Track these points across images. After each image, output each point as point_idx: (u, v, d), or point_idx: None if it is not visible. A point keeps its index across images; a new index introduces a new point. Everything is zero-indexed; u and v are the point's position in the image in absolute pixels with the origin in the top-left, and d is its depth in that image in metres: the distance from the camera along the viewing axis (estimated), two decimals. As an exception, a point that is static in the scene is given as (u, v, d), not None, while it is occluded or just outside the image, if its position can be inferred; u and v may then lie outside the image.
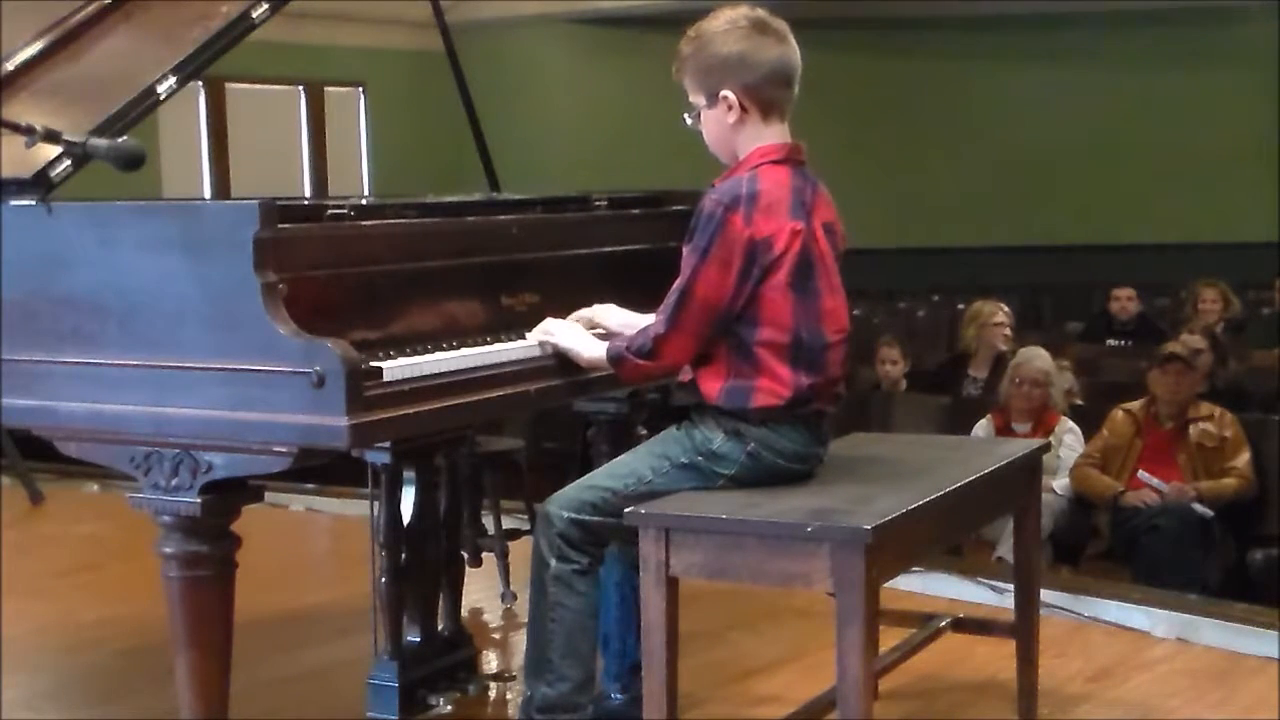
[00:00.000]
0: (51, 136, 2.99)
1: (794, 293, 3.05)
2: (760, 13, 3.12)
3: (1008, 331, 7.76)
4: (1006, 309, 7.89)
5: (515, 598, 4.71)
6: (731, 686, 4.02)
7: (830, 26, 13.49)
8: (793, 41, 3.13)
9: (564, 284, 3.49)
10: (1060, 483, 6.31)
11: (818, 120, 10.42)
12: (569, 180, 11.62)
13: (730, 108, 3.09)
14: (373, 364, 2.84)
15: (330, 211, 3.08)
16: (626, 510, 2.98)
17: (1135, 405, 6.35)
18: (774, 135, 3.13)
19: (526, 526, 4.91)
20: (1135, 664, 4.19)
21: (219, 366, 2.81)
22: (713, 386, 3.09)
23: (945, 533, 3.47)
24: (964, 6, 13.95)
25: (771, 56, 3.10)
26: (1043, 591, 3.78)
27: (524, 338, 3.26)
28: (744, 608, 4.57)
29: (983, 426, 6.54)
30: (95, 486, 6.81)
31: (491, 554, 4.80)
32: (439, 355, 3.03)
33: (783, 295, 3.04)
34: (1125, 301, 10.04)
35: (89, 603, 5.06)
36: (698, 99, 3.14)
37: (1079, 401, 7.07)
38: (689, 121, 3.18)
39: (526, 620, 3.18)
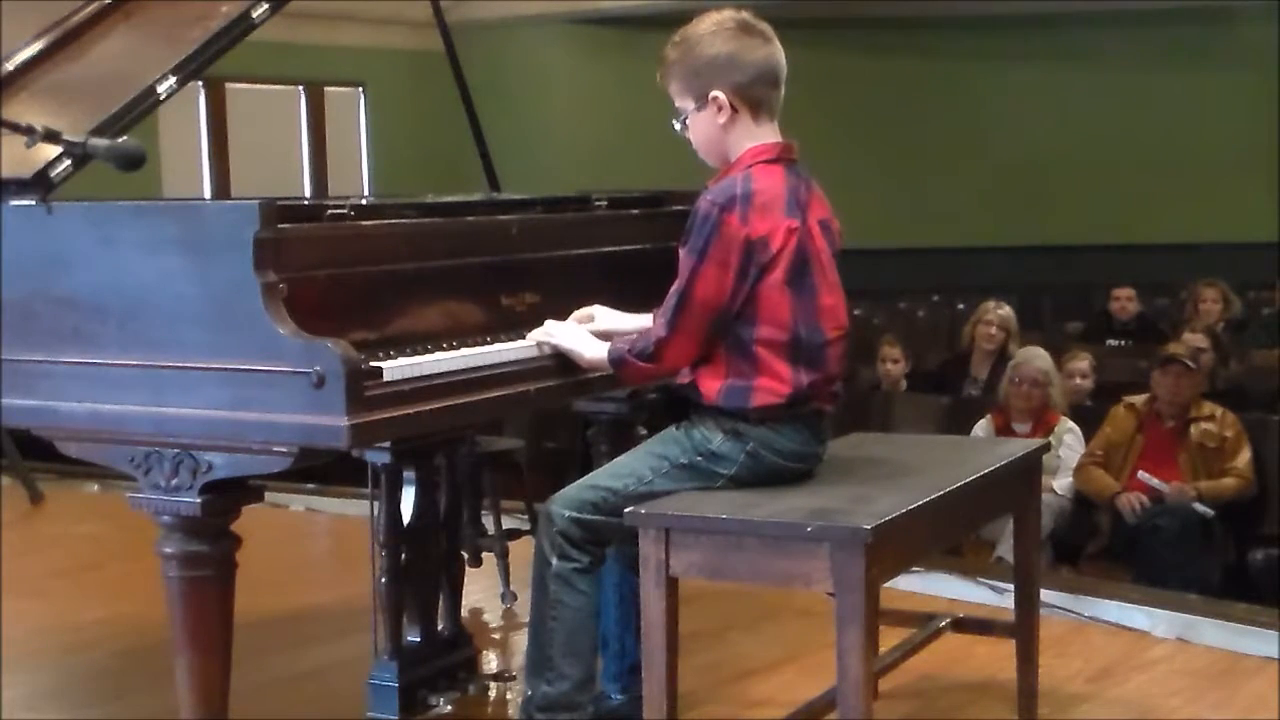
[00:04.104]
0: (51, 136, 2.99)
1: (791, 290, 3.06)
2: (744, 14, 3.14)
3: (993, 331, 7.76)
4: (1006, 309, 7.89)
5: (515, 598, 4.71)
6: (731, 686, 4.02)
7: (830, 26, 13.49)
8: (777, 42, 3.15)
9: (564, 284, 3.49)
10: (1060, 483, 6.31)
11: (818, 120, 10.43)
12: (569, 180, 11.61)
13: (721, 108, 3.10)
14: (373, 364, 2.84)
15: (330, 211, 3.08)
16: (626, 510, 2.98)
17: (1138, 399, 6.36)
18: (765, 135, 3.14)
19: (526, 526, 4.91)
20: (1135, 664, 4.19)
21: (219, 366, 2.81)
22: (711, 386, 3.10)
23: (945, 533, 3.47)
24: (964, 6, 13.95)
25: (759, 56, 3.12)
26: (1043, 591, 3.78)
27: (524, 338, 3.26)
28: (744, 608, 4.57)
29: (983, 426, 6.54)
30: (95, 486, 6.82)
31: (491, 554, 4.80)
32: (439, 355, 3.03)
33: (780, 293, 3.05)
34: (1125, 301, 10.04)
35: (89, 603, 5.06)
36: (685, 103, 3.16)
37: (1089, 402, 7.07)
38: (677, 127, 3.19)
39: (527, 620, 3.19)
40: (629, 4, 13.41)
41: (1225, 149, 13.70)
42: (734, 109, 3.11)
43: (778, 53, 3.15)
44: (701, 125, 3.15)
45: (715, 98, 3.10)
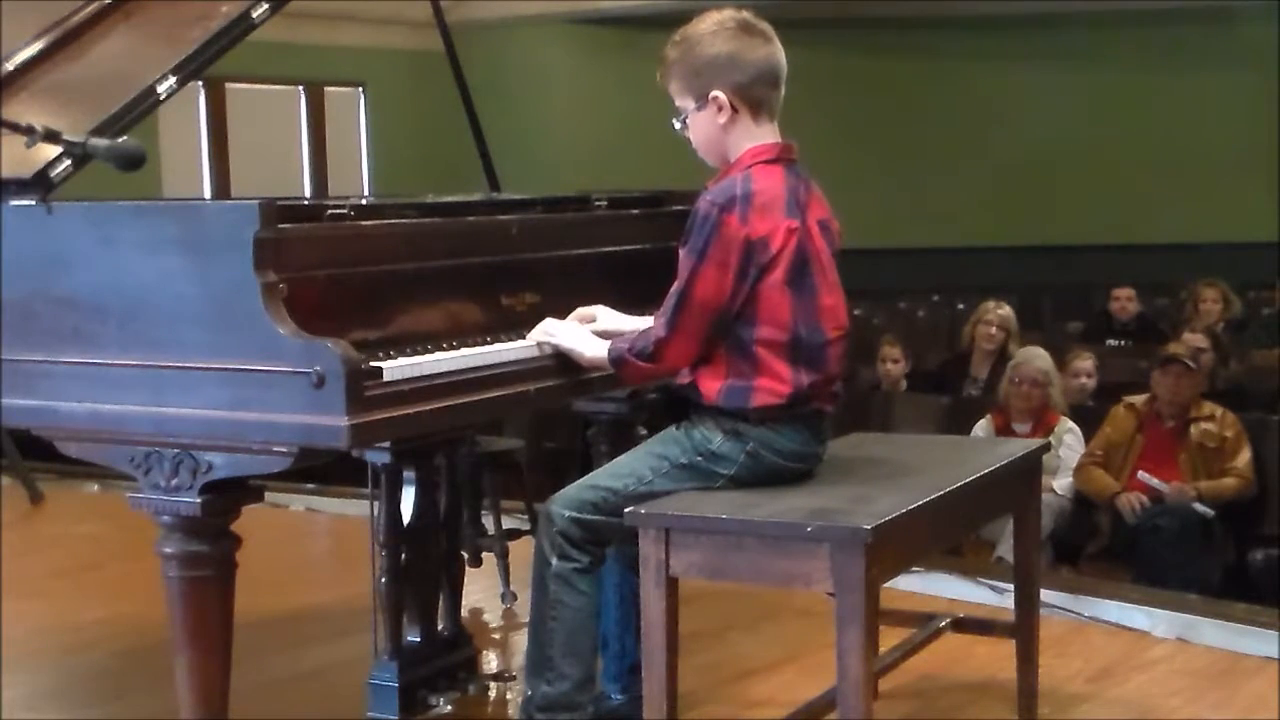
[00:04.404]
0: (51, 136, 2.99)
1: (791, 290, 3.06)
2: (745, 14, 3.14)
3: (993, 331, 7.76)
4: (1006, 309, 7.89)
5: (515, 598, 4.71)
6: (731, 686, 4.02)
7: (830, 26, 13.48)
8: (778, 42, 3.15)
9: (564, 284, 3.49)
10: (1060, 483, 6.32)
11: (818, 120, 10.43)
12: (569, 180, 11.61)
13: (721, 108, 3.10)
14: (373, 364, 2.84)
15: (330, 211, 3.08)
16: (626, 510, 2.98)
17: (1138, 399, 6.36)
18: (765, 135, 3.14)
19: (526, 526, 4.91)
20: (1135, 664, 4.19)
21: (219, 366, 2.81)
22: (712, 386, 3.10)
23: (945, 533, 3.47)
24: (964, 6, 13.94)
25: (760, 56, 3.12)
26: (1043, 591, 3.78)
27: (524, 338, 3.26)
28: (744, 608, 4.57)
29: (983, 426, 6.54)
30: (95, 486, 6.82)
31: (491, 554, 4.80)
32: (439, 355, 3.03)
33: (780, 293, 3.05)
34: (1125, 301, 10.04)
35: (89, 603, 5.06)
36: (685, 102, 3.16)
37: (1091, 402, 7.07)
38: (677, 126, 3.19)
39: (527, 620, 3.19)
40: (629, 4, 13.40)
41: (1225, 149, 13.70)
42: (734, 109, 3.11)
43: (778, 53, 3.15)
44: (701, 125, 3.15)
45: (715, 97, 3.10)
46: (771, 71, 3.13)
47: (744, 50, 3.11)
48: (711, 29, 3.12)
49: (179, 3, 3.62)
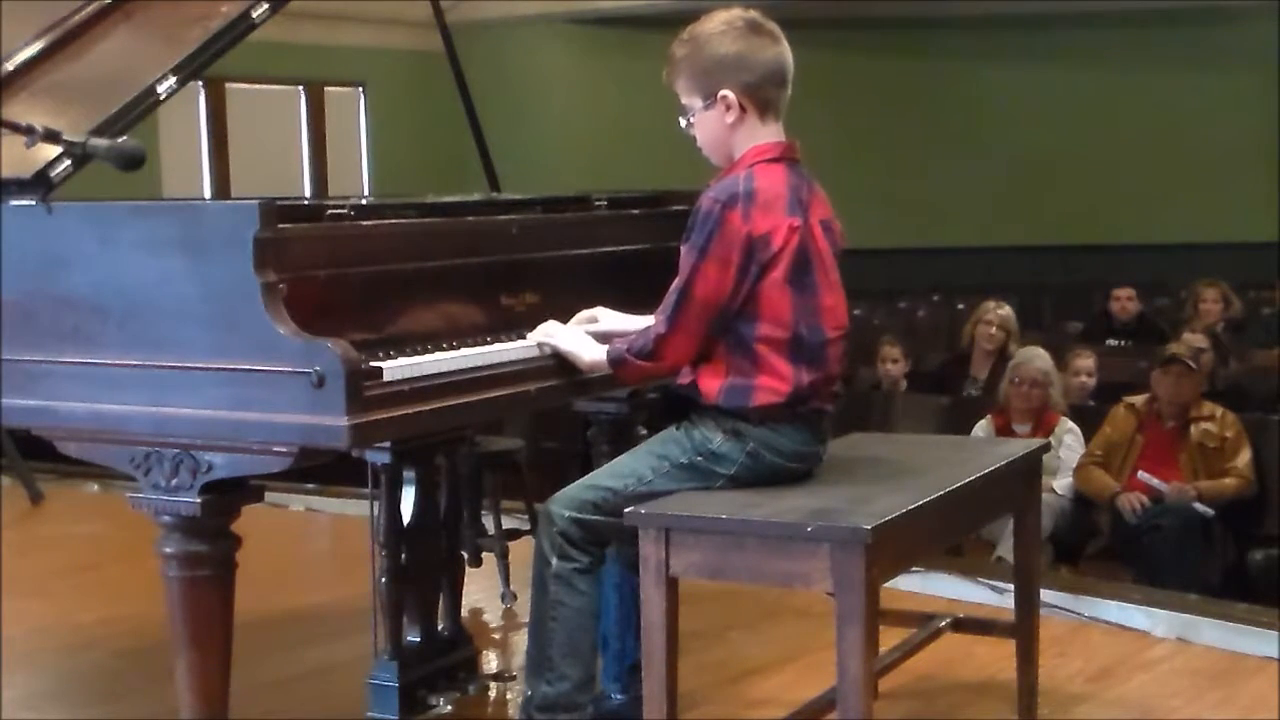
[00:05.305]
0: (51, 136, 2.99)
1: (792, 289, 3.06)
2: (753, 14, 3.14)
3: (993, 330, 7.76)
4: (1006, 309, 7.89)
5: (515, 598, 4.71)
6: (731, 686, 4.02)
7: (832, 27, 13.49)
8: (785, 41, 3.14)
9: (564, 284, 3.49)
10: (1060, 483, 6.31)
11: (819, 120, 10.44)
12: (569, 180, 11.62)
13: (729, 108, 3.10)
14: (373, 364, 2.84)
15: (330, 211, 3.08)
16: (626, 510, 2.98)
17: (1138, 400, 6.36)
18: (770, 134, 3.14)
19: (526, 526, 4.91)
20: (1135, 664, 4.19)
21: (219, 366, 2.81)
22: (712, 385, 3.10)
23: (945, 533, 3.47)
24: (964, 6, 13.96)
25: (769, 56, 3.11)
26: (1043, 591, 3.77)
27: (524, 338, 3.26)
28: (744, 608, 4.57)
29: (983, 426, 6.54)
30: (95, 486, 6.82)
31: (491, 554, 4.80)
32: (439, 355, 3.03)
33: (781, 291, 3.05)
34: (1125, 301, 10.04)
35: (89, 603, 5.06)
36: (693, 101, 3.15)
37: (1091, 402, 7.07)
38: (683, 125, 3.19)
39: (527, 620, 3.19)
40: (629, 4, 13.41)
41: (1225, 149, 13.72)
42: (742, 108, 3.11)
43: (785, 52, 3.14)
44: (708, 124, 3.14)
45: (724, 97, 3.10)
46: (780, 71, 3.13)
47: (753, 50, 3.10)
48: (720, 28, 3.11)
49: (179, 3, 3.62)
